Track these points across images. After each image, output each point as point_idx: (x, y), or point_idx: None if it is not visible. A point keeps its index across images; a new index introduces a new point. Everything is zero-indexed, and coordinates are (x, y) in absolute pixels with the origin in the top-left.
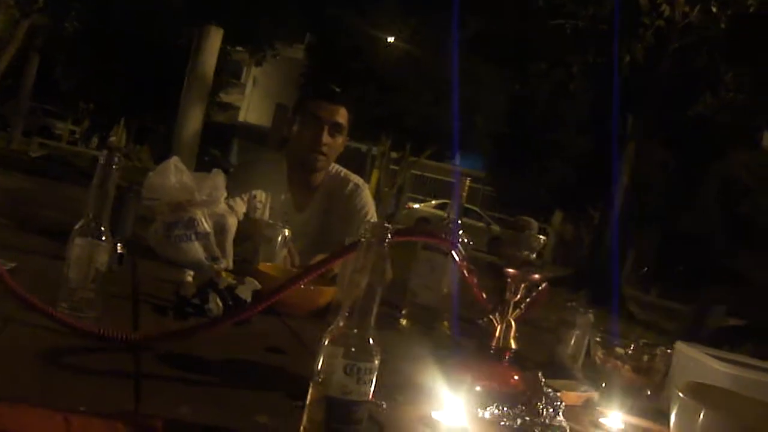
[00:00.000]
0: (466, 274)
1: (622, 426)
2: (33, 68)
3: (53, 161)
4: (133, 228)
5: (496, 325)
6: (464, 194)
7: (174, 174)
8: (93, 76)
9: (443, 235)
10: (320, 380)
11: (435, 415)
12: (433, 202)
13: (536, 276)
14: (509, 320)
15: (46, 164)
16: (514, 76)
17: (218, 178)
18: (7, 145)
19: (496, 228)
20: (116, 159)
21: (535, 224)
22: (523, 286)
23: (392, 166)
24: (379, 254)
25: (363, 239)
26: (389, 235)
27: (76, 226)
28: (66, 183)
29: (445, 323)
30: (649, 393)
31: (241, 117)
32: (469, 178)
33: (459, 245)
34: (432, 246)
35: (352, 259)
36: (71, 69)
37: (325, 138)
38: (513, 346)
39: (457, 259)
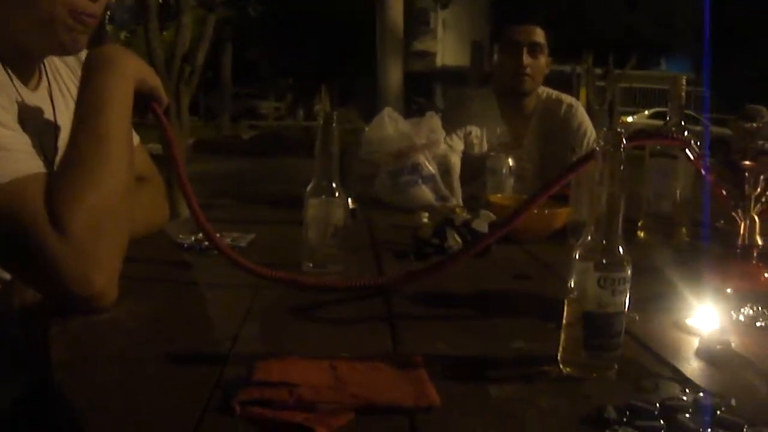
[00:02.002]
0: (704, 172)
1: None
2: (228, 57)
3: (265, 139)
4: (358, 185)
5: (739, 222)
6: (682, 94)
7: (389, 124)
8: (285, 52)
9: (674, 135)
10: (575, 297)
11: (689, 321)
12: (647, 112)
13: None
14: (752, 216)
15: (259, 143)
16: None
17: (434, 120)
18: (218, 132)
19: (715, 130)
20: (335, 118)
21: (765, 111)
22: (762, 177)
23: (598, 83)
24: (617, 161)
25: (598, 149)
26: (624, 140)
27: (308, 189)
28: (281, 156)
29: (684, 229)
30: None
31: (438, 62)
32: (684, 76)
33: (692, 144)
34: (660, 152)
35: (583, 177)
36: (264, 50)
37: (526, 59)
38: (759, 242)
39: (692, 157)
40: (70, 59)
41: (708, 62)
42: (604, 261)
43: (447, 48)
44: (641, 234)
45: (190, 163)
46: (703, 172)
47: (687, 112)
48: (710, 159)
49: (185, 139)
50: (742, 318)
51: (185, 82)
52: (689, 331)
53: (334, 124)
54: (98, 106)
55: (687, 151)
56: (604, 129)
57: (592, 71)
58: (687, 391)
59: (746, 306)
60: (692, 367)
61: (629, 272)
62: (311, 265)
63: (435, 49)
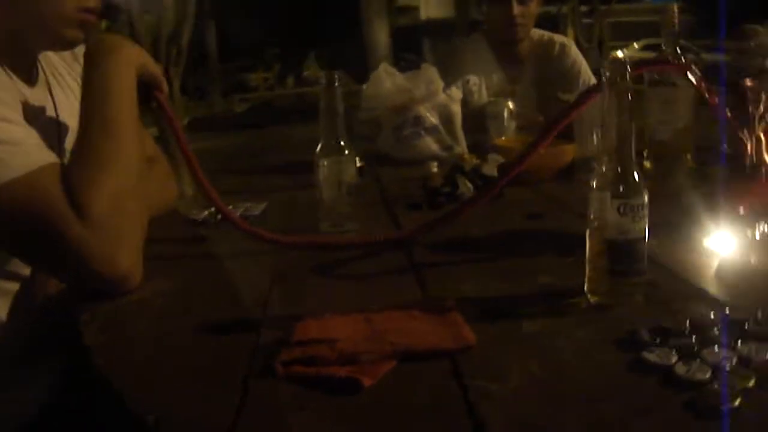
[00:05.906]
0: (707, 94)
1: None
2: (212, 34)
3: (258, 111)
4: (360, 145)
5: (745, 142)
6: (675, 23)
7: (387, 79)
8: (269, 22)
9: (676, 61)
10: (596, 227)
11: (707, 244)
12: (637, 45)
13: None
14: (758, 134)
15: (253, 115)
16: None
17: (430, 71)
18: (211, 109)
19: (706, 57)
20: (336, 77)
21: (762, 30)
22: (764, 95)
23: (585, 20)
24: (624, 89)
25: (604, 79)
26: (628, 67)
27: (317, 150)
28: (277, 126)
29: (689, 155)
30: None
31: (423, 15)
32: (675, 5)
33: (692, 67)
34: (658, 81)
35: (585, 112)
36: (247, 22)
37: (516, 9)
38: (767, 160)
39: (694, 81)
40: (65, 53)
41: None
42: (621, 189)
43: (430, 1)
44: (647, 164)
45: (188, 143)
46: (706, 95)
47: (680, 41)
48: (710, 83)
49: (181, 119)
50: (757, 236)
51: (173, 63)
52: (708, 254)
53: (336, 84)
54: (105, 93)
55: (689, 75)
56: (610, 59)
57: (578, 10)
58: (714, 309)
59: (760, 223)
60: (715, 287)
61: (646, 198)
62: (327, 224)
63: (417, 3)
